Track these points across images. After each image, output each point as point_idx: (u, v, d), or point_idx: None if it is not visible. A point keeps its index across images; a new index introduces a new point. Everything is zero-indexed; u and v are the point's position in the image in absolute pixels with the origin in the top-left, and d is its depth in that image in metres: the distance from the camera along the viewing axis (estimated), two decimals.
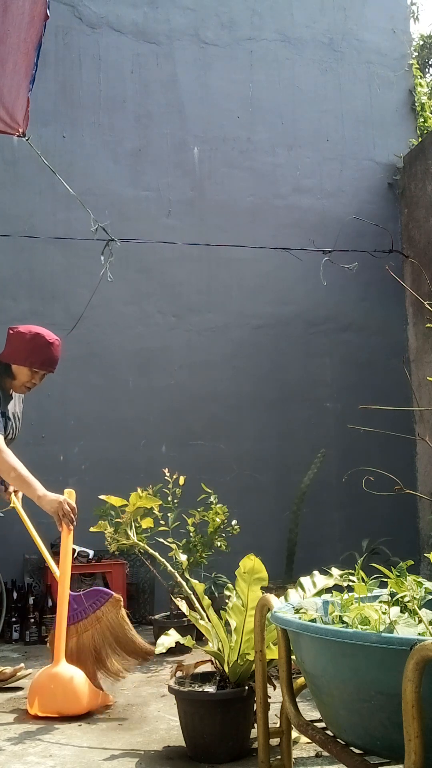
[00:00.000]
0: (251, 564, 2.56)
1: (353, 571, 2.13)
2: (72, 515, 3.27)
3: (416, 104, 6.62)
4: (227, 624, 2.71)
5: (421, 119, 6.67)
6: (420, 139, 6.37)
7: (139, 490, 3.31)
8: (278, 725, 2.22)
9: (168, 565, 3.30)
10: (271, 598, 2.10)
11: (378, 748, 1.62)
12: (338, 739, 1.73)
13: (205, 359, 5.78)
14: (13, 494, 3.67)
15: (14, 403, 3.66)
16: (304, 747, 2.58)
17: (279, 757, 2.17)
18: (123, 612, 3.34)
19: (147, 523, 3.31)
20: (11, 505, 3.68)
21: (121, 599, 3.38)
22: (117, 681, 3.34)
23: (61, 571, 3.29)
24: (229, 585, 3.00)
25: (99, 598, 3.36)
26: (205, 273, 5.86)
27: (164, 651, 2.68)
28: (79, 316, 5.29)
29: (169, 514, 4.23)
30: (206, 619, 2.79)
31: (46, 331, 3.53)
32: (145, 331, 5.70)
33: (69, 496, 3.33)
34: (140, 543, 3.23)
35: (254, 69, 6.24)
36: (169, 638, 2.71)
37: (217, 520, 4.14)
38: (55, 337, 3.54)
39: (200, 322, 5.82)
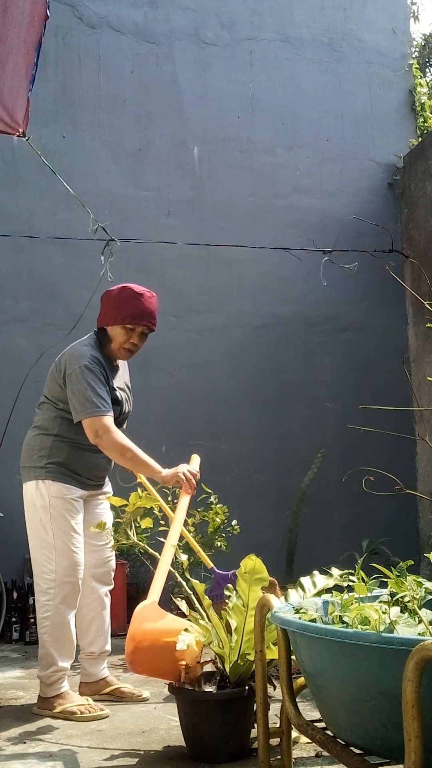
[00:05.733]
0: (252, 564, 2.56)
1: (353, 571, 2.13)
2: (193, 480, 3.22)
3: (416, 104, 6.62)
4: (228, 624, 2.71)
5: (421, 119, 6.67)
6: (420, 139, 6.37)
7: (139, 490, 3.31)
8: (278, 725, 2.22)
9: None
10: (271, 598, 2.10)
11: (378, 748, 1.62)
12: (338, 739, 1.73)
13: (205, 359, 5.78)
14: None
15: (123, 372, 3.53)
16: (304, 747, 2.58)
17: (279, 757, 2.17)
18: None
19: (147, 523, 3.30)
20: (138, 479, 3.55)
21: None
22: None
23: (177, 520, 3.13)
24: (229, 585, 3.00)
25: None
26: (205, 273, 5.86)
27: None
28: (79, 316, 5.29)
29: None
30: (206, 619, 2.78)
31: (135, 285, 3.29)
32: None
33: (192, 461, 3.36)
34: (140, 543, 3.23)
35: (254, 69, 6.23)
36: None
37: (217, 520, 4.14)
38: (144, 290, 3.28)
39: (200, 322, 5.82)
